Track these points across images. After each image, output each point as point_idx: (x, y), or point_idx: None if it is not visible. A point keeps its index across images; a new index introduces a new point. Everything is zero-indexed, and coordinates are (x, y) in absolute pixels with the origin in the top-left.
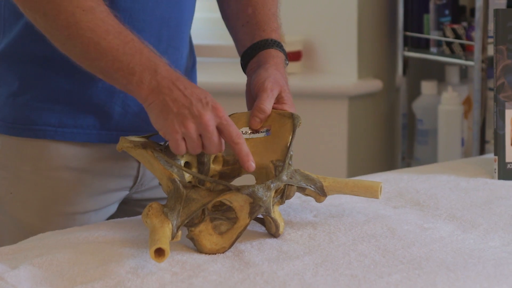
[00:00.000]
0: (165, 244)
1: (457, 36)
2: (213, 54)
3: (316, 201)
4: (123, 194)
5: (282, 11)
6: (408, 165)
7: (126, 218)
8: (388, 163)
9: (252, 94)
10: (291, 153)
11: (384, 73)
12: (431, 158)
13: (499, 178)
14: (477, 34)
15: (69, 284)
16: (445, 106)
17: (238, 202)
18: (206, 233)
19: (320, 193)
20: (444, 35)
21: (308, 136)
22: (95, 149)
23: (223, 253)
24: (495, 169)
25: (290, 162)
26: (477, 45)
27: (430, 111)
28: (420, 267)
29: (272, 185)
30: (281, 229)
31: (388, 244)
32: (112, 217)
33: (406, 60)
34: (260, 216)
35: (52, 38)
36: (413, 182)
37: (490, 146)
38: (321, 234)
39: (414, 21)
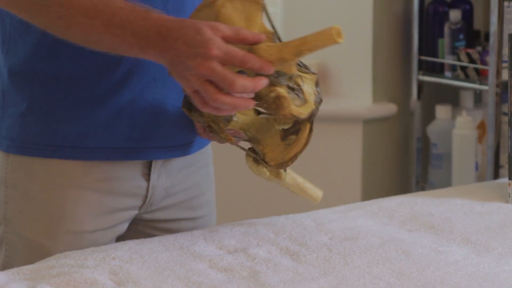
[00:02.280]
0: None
1: (472, 61)
2: None
3: None
4: (133, 213)
5: (297, 34)
6: (422, 189)
7: (142, 240)
8: (403, 187)
9: None
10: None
11: (398, 97)
12: (445, 182)
13: None
14: (491, 58)
15: None
16: (459, 130)
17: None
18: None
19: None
20: (459, 60)
21: (322, 159)
22: (104, 167)
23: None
24: (509, 193)
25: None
26: (491, 70)
27: (444, 135)
28: None
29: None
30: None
31: (403, 267)
32: (122, 237)
33: (420, 84)
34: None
35: (53, 31)
36: (427, 205)
37: (504, 171)
38: (336, 257)
39: (428, 45)
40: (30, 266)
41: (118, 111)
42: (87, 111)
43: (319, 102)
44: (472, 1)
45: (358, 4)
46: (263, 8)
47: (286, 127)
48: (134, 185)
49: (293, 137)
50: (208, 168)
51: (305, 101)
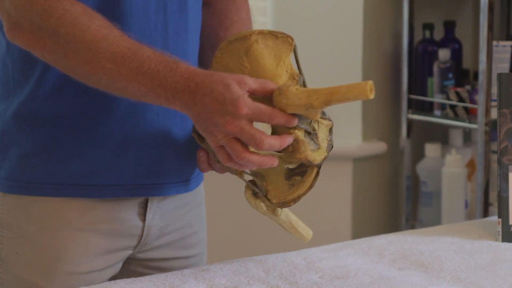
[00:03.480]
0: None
1: (461, 99)
2: None
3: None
4: (127, 253)
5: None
6: (412, 227)
7: (133, 279)
8: (392, 225)
9: None
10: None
11: (388, 135)
12: (435, 220)
13: (503, 240)
14: (480, 97)
15: None
16: (449, 169)
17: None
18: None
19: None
20: (448, 98)
21: (313, 197)
22: (102, 208)
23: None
24: (498, 231)
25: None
26: (480, 108)
27: (434, 173)
28: None
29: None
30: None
31: None
32: (115, 277)
33: (410, 123)
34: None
35: (77, 76)
36: (417, 244)
37: (493, 209)
38: None
39: (418, 84)
40: None
41: (123, 148)
42: (93, 148)
43: (330, 149)
44: (461, 40)
45: (347, 43)
46: (294, 49)
47: (291, 166)
48: (130, 225)
49: (298, 178)
50: (200, 208)
51: (318, 146)
